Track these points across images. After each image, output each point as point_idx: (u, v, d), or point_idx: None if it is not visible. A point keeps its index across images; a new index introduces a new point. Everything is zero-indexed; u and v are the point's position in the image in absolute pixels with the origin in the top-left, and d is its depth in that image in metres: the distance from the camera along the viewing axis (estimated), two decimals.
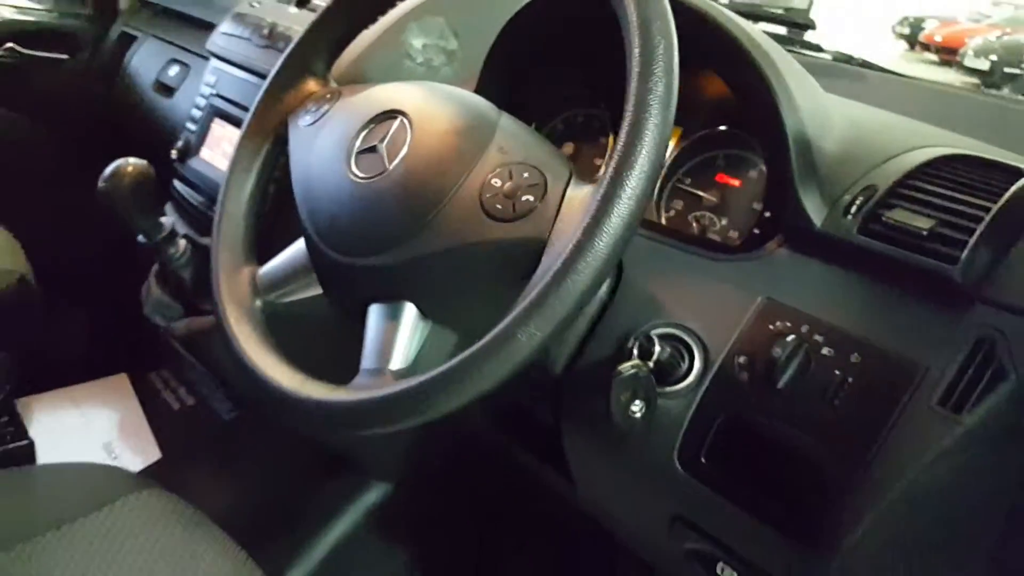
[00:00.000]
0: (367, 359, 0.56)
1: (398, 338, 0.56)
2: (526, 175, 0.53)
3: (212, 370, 0.96)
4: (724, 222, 0.75)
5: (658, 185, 0.79)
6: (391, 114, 0.60)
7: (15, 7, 1.64)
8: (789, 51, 1.10)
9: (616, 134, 0.48)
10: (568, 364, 0.71)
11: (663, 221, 0.78)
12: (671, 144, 0.80)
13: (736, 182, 0.75)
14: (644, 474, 0.65)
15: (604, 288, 0.71)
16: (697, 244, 0.71)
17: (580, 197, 0.50)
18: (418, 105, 0.59)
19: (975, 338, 0.54)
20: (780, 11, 1.19)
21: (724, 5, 0.72)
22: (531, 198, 0.52)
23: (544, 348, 0.47)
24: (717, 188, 0.76)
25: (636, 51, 0.48)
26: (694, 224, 0.76)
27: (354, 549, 1.18)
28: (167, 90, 1.41)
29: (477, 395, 0.48)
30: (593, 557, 1.08)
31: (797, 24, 1.14)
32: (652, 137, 0.46)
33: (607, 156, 0.53)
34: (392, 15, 0.96)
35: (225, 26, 1.18)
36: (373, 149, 0.59)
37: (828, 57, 1.15)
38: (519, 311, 0.46)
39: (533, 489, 1.02)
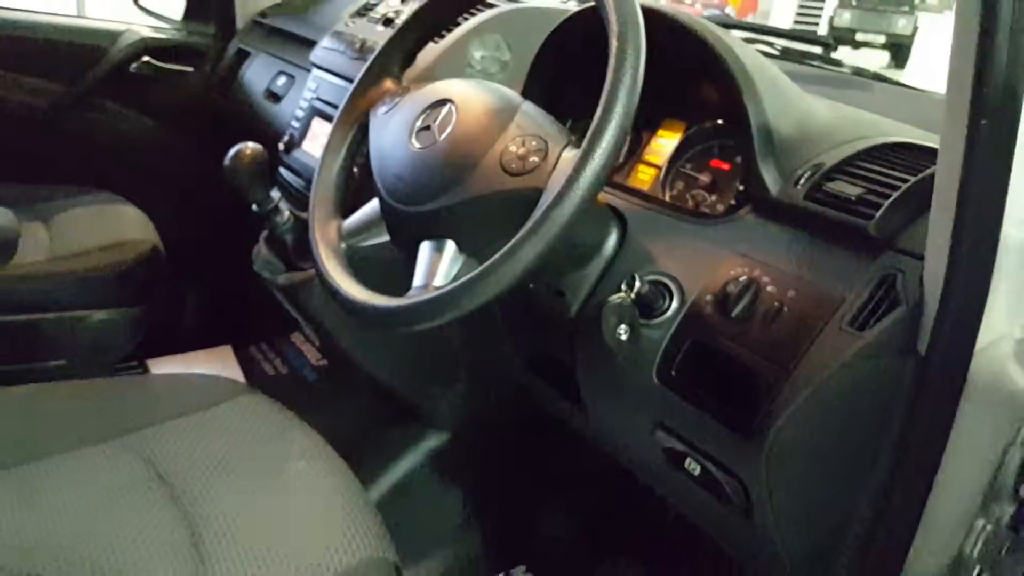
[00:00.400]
0: (417, 279, 0.76)
1: (440, 265, 0.75)
2: (534, 143, 0.72)
3: (304, 315, 1.18)
4: (714, 198, 0.91)
5: (664, 170, 0.97)
6: (443, 102, 0.80)
7: (152, 27, 1.95)
8: (815, 66, 1.26)
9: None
10: (580, 308, 0.89)
11: (667, 198, 0.96)
12: (677, 135, 0.98)
13: (726, 166, 0.92)
14: (631, 387, 0.83)
15: (611, 246, 0.89)
16: (689, 215, 0.89)
17: (568, 158, 0.69)
18: (463, 95, 0.79)
19: (880, 276, 0.69)
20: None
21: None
22: (536, 159, 0.71)
23: (539, 261, 0.65)
24: (710, 171, 0.93)
25: (612, 53, 0.67)
26: (691, 200, 0.93)
27: (415, 487, 1.38)
28: (275, 97, 1.66)
29: (492, 296, 0.67)
30: (610, 499, 1.25)
31: (815, 42, 1.29)
32: (618, 115, 0.65)
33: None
34: (458, 32, 1.17)
35: (326, 42, 1.42)
36: (428, 127, 0.79)
37: (847, 71, 1.30)
38: (521, 234, 0.65)
39: (560, 436, 1.20)
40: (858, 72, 1.28)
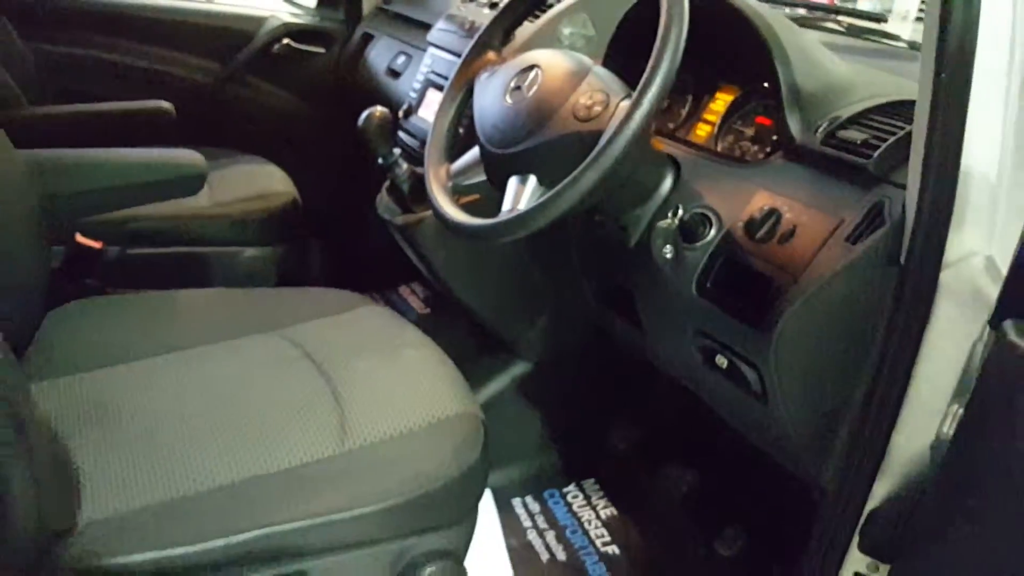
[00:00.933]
0: (505, 205, 0.98)
1: (524, 194, 0.97)
2: (599, 96, 0.92)
3: (415, 251, 1.42)
4: (755, 148, 1.09)
5: (717, 126, 1.15)
6: (531, 67, 1.01)
7: (291, 13, 2.25)
8: (875, 40, 1.39)
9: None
10: (639, 239, 1.09)
11: (719, 149, 1.14)
12: (731, 97, 1.15)
13: (768, 122, 1.10)
14: (675, 301, 1.02)
15: (667, 187, 1.08)
16: (733, 161, 1.07)
17: (624, 107, 0.89)
18: (547, 61, 1.00)
19: (873, 203, 0.86)
20: None
21: None
22: (599, 108, 0.91)
23: (597, 187, 0.86)
24: (755, 126, 1.11)
25: (660, 26, 0.86)
26: (738, 150, 1.11)
27: (502, 407, 1.61)
28: (395, 74, 1.92)
29: (560, 213, 0.88)
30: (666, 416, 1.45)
31: (868, 16, 1.43)
32: (661, 74, 0.84)
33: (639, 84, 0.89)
34: (551, 12, 1.38)
35: (440, 24, 1.66)
36: (519, 87, 1.00)
37: (904, 44, 1.44)
38: (582, 165, 0.86)
39: (626, 364, 1.40)
40: (912, 45, 1.41)
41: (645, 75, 0.85)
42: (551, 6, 1.38)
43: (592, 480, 1.60)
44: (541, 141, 0.95)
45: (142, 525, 0.76)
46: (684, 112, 1.21)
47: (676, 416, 1.49)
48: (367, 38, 2.14)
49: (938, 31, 0.74)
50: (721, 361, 1.00)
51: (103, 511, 0.77)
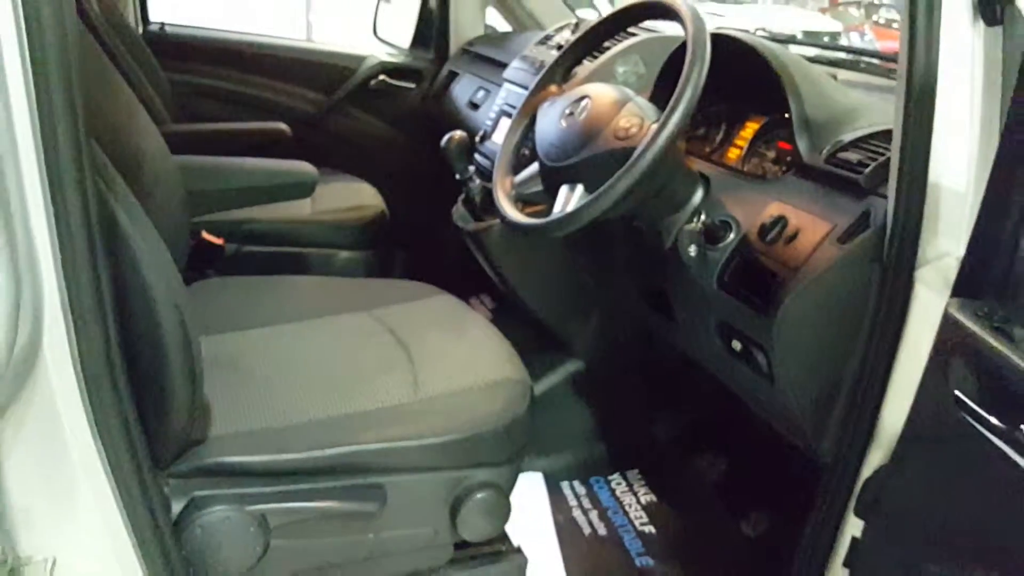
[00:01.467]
0: (556, 208, 1.18)
1: (572, 199, 1.17)
2: (635, 120, 1.12)
3: (483, 254, 1.64)
4: (776, 167, 1.27)
5: (745, 150, 1.33)
6: (582, 98, 1.22)
7: (388, 53, 2.55)
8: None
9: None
10: (672, 242, 1.28)
11: (745, 169, 1.31)
12: (757, 125, 1.33)
13: (788, 146, 1.27)
14: (701, 295, 1.20)
15: (698, 198, 1.26)
16: (754, 178, 1.25)
17: (653, 129, 1.08)
18: (596, 92, 1.21)
19: (861, 210, 1.03)
20: None
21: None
22: (635, 130, 1.11)
23: (629, 192, 1.05)
24: (776, 149, 1.28)
25: (686, 64, 1.06)
26: (761, 169, 1.29)
27: (555, 400, 1.80)
28: (474, 106, 2.17)
29: (599, 213, 1.08)
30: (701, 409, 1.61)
31: (880, 56, 1.59)
32: (685, 100, 1.04)
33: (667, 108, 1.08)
34: (609, 53, 1.60)
35: (516, 63, 1.90)
36: (571, 113, 1.21)
37: None
38: (616, 175, 1.06)
39: (668, 363, 1.57)
40: None
41: (670, 104, 1.05)
42: (608, 48, 1.60)
43: (636, 471, 1.76)
44: (587, 156, 1.16)
45: (258, 439, 0.98)
46: (719, 138, 1.40)
47: (710, 410, 1.64)
48: (452, 75, 2.40)
49: (906, 69, 0.91)
50: (736, 345, 1.17)
51: (231, 428, 0.99)
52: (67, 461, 0.70)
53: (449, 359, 1.20)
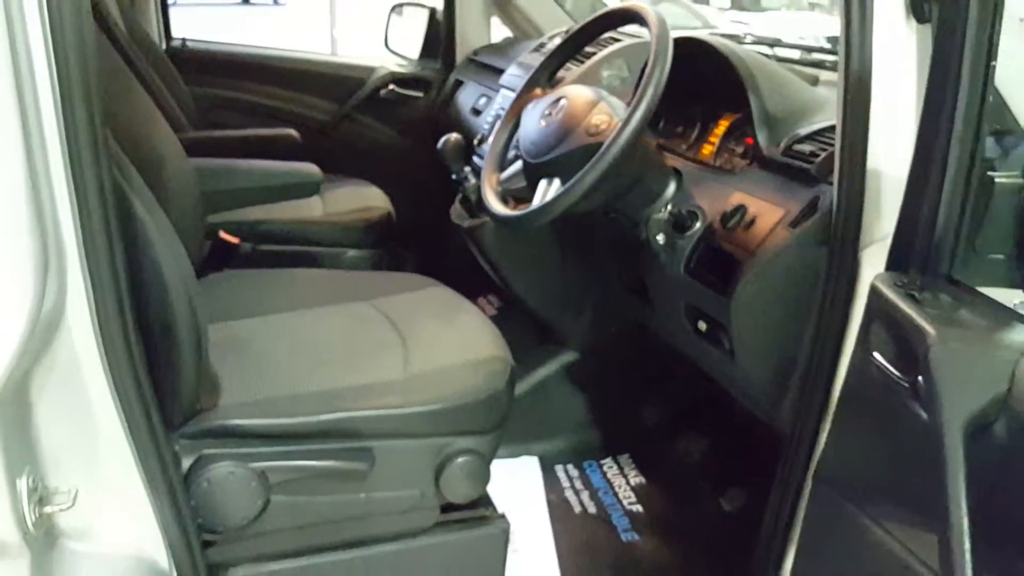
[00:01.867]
0: (535, 201, 1.28)
1: (549, 192, 1.27)
2: (605, 118, 1.22)
3: (479, 249, 1.74)
4: (744, 162, 1.36)
5: (716, 146, 1.42)
6: (560, 98, 1.32)
7: (397, 63, 2.67)
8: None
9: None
10: (647, 232, 1.37)
11: (716, 163, 1.40)
12: (727, 122, 1.42)
13: (752, 141, 1.36)
14: (671, 280, 1.29)
15: (671, 191, 1.35)
16: (721, 172, 1.34)
17: (618, 126, 1.18)
18: (572, 93, 1.31)
19: (811, 197, 1.12)
20: None
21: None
22: (604, 127, 1.21)
23: (598, 184, 1.15)
24: (744, 145, 1.37)
25: (649, 65, 1.16)
26: (729, 164, 1.38)
27: (550, 390, 1.89)
28: (477, 112, 2.27)
29: (571, 203, 1.17)
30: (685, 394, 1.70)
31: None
32: (647, 98, 1.13)
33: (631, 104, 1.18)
34: (595, 57, 1.70)
35: (511, 69, 2.01)
36: (550, 113, 1.32)
37: None
38: (585, 168, 1.15)
39: (654, 355, 1.66)
40: None
41: (633, 102, 1.15)
42: (592, 54, 1.70)
43: (627, 455, 1.85)
44: (562, 152, 1.26)
45: (261, 406, 1.09)
46: (694, 136, 1.49)
47: (694, 396, 1.73)
48: (458, 83, 2.51)
49: (843, 63, 1.00)
50: (702, 326, 1.26)
51: (236, 397, 1.10)
52: (89, 412, 0.81)
53: (438, 340, 1.30)
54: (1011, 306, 0.84)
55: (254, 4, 13.96)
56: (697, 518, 1.60)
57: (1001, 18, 0.82)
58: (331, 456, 1.09)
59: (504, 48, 2.48)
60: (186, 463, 1.01)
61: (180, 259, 0.95)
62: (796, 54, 1.77)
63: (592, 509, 1.69)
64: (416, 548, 1.19)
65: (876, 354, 0.85)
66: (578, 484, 1.77)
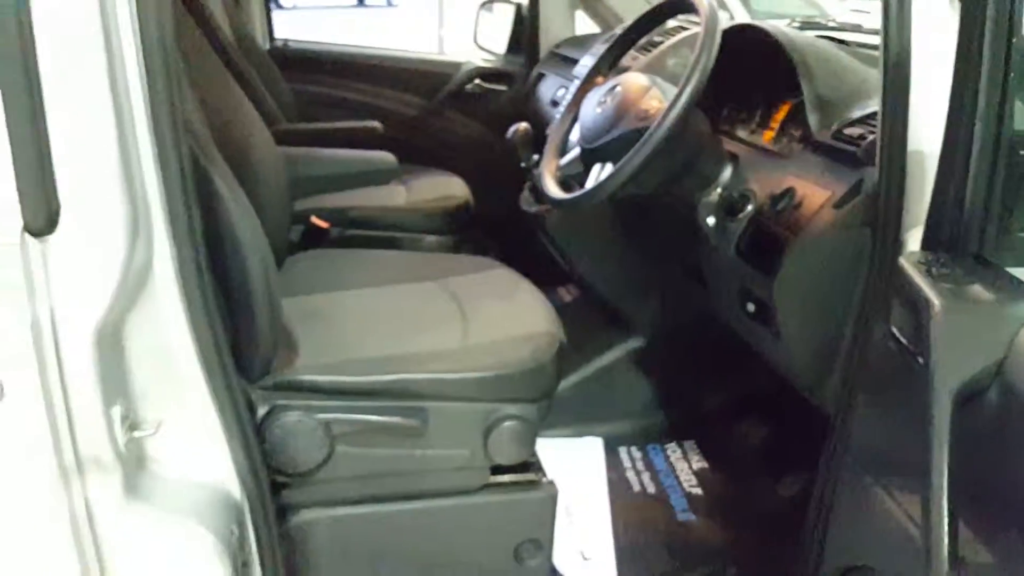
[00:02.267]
0: (588, 184, 1.34)
1: (603, 174, 1.33)
2: (655, 103, 1.27)
3: (545, 234, 1.81)
4: (799, 146, 1.37)
5: (776, 131, 1.44)
6: (615, 86, 1.38)
7: (483, 59, 2.77)
8: None
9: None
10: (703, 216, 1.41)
11: (775, 149, 1.42)
12: (787, 107, 1.43)
13: None
14: (723, 263, 1.33)
15: (727, 175, 1.38)
16: (778, 156, 1.36)
17: (665, 108, 1.23)
18: (626, 80, 1.36)
19: (858, 179, 1.13)
20: None
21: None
22: (653, 111, 1.26)
23: (644, 166, 1.20)
24: (802, 129, 1.38)
25: (694, 52, 1.20)
26: (786, 148, 1.39)
27: (616, 374, 1.94)
28: (555, 104, 2.34)
29: (619, 185, 1.23)
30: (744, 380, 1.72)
31: None
32: (692, 83, 1.18)
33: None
34: (662, 46, 1.74)
35: (584, 60, 2.07)
36: (605, 101, 1.37)
37: None
38: (632, 150, 1.21)
39: (718, 341, 1.68)
40: None
41: (679, 87, 1.19)
42: (660, 43, 1.74)
43: (692, 441, 1.88)
44: (614, 136, 1.31)
45: (329, 366, 1.20)
46: (755, 122, 1.51)
47: (754, 382, 1.74)
48: (540, 76, 2.58)
49: (883, 44, 1.01)
50: (751, 307, 1.29)
51: (308, 358, 1.22)
52: (173, 357, 0.93)
53: (494, 315, 1.39)
54: None
55: (369, 6, 14.50)
56: (753, 502, 1.62)
57: None
58: (389, 413, 1.19)
59: (585, 41, 2.53)
60: (261, 411, 1.14)
61: (256, 232, 1.08)
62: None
63: (651, 489, 1.73)
64: (468, 505, 1.28)
65: (894, 329, 0.87)
66: (640, 465, 1.82)
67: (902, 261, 0.91)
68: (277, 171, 1.55)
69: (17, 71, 0.77)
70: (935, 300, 0.76)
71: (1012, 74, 0.81)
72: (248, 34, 2.38)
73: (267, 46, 2.68)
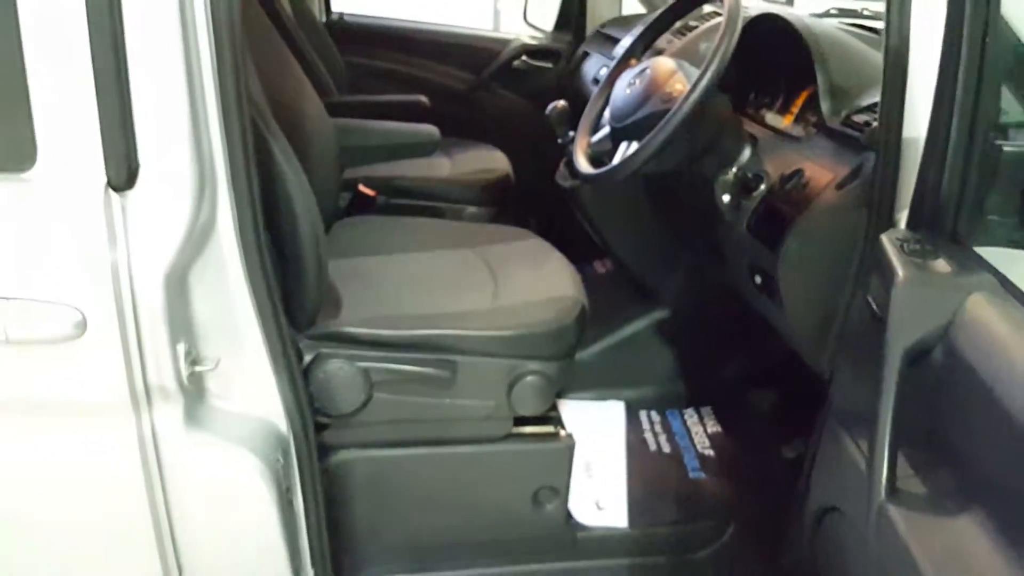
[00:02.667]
0: (616, 160, 1.44)
1: (628, 151, 1.42)
2: (679, 86, 1.36)
3: (578, 207, 1.92)
4: (814, 131, 1.44)
5: (795, 116, 1.51)
6: (644, 69, 1.46)
7: (530, 36, 2.86)
8: None
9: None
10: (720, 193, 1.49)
11: (793, 132, 1.49)
12: (808, 92, 1.50)
13: None
14: (737, 238, 1.42)
15: (746, 156, 1.47)
16: (793, 139, 1.44)
17: (686, 91, 1.31)
18: (655, 63, 1.45)
19: (858, 163, 1.20)
20: None
21: None
22: (677, 94, 1.35)
23: (666, 144, 1.29)
24: (818, 114, 1.45)
25: (718, 37, 1.28)
26: (803, 132, 1.47)
27: (641, 343, 2.04)
28: (597, 82, 2.42)
29: (642, 162, 1.32)
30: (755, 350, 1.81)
31: None
32: (713, 67, 1.26)
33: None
34: (696, 31, 1.81)
35: (624, 41, 2.15)
36: (634, 82, 1.46)
37: None
38: (656, 128, 1.30)
39: (736, 312, 1.77)
40: None
41: (700, 71, 1.28)
42: (695, 28, 1.82)
43: (709, 408, 1.98)
44: (641, 116, 1.41)
45: (370, 321, 1.34)
46: (777, 107, 1.59)
47: (769, 352, 1.83)
48: (584, 55, 2.67)
49: (885, 40, 1.09)
50: (758, 280, 1.38)
51: (351, 313, 1.36)
52: (232, 303, 1.07)
53: (522, 280, 1.50)
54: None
55: None
56: (760, 463, 1.72)
57: None
58: (422, 364, 1.32)
59: (631, 21, 2.60)
60: (307, 358, 1.28)
61: (308, 197, 1.21)
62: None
63: (667, 449, 1.84)
64: (492, 452, 1.41)
65: (870, 298, 0.96)
66: (658, 428, 1.92)
67: (882, 238, 1.00)
68: (329, 141, 1.68)
69: (107, 47, 0.90)
70: (899, 271, 0.85)
71: (987, 68, 0.89)
72: (306, 7, 2.51)
73: (324, 19, 2.81)
